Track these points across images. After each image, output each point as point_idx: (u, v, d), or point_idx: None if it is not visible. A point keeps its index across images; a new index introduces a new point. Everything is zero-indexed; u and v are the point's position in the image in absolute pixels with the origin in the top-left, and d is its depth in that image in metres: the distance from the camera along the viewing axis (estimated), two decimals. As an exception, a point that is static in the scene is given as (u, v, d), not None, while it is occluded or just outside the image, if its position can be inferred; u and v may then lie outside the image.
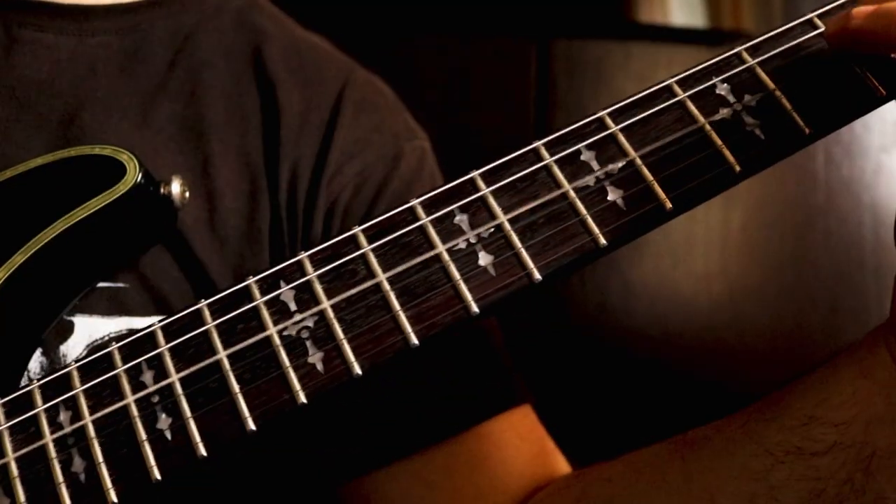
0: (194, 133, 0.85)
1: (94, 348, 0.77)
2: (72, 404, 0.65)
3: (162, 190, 0.75)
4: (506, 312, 0.65)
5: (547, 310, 1.55)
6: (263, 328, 0.63)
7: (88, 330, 0.77)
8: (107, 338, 0.77)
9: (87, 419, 0.64)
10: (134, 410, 0.63)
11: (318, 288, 0.64)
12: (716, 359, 1.56)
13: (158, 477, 0.62)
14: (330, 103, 0.89)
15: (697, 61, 0.67)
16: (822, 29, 0.66)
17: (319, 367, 0.62)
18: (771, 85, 0.65)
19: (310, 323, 0.63)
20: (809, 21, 0.67)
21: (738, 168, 0.63)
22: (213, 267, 0.82)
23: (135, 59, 0.86)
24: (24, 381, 0.73)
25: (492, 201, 0.64)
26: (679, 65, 0.67)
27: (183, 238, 0.81)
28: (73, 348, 0.77)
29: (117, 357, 0.65)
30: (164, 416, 0.63)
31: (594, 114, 0.66)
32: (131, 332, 0.73)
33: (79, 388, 0.65)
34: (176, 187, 0.75)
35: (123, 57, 0.85)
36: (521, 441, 0.85)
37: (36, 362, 0.76)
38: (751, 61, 0.66)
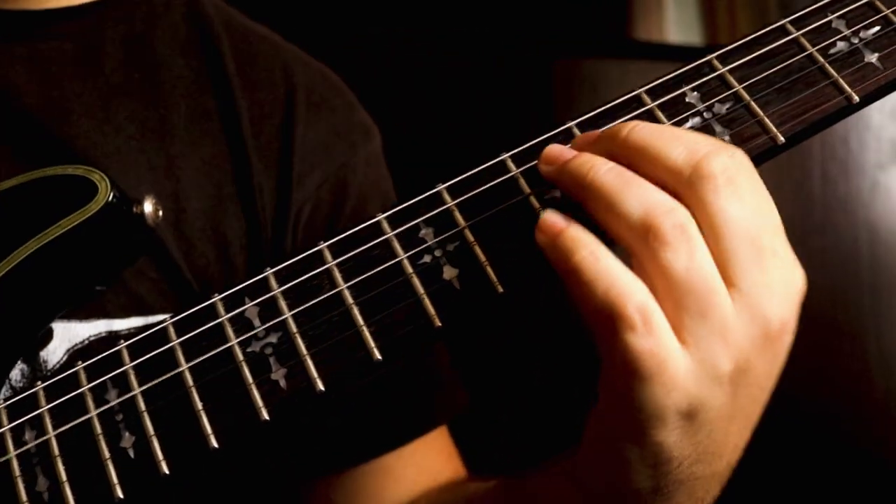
0: (156, 134, 0.85)
1: (72, 355, 0.77)
2: (37, 423, 0.65)
3: (134, 209, 0.75)
4: (472, 327, 0.65)
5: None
6: (227, 345, 0.63)
7: (68, 334, 0.77)
8: (86, 341, 0.77)
9: (52, 438, 0.64)
10: (98, 429, 0.63)
11: (283, 304, 0.63)
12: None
13: (121, 495, 0.62)
14: (280, 109, 0.89)
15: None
16: (794, 35, 0.66)
17: (282, 383, 0.62)
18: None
19: (273, 339, 0.63)
20: (782, 27, 0.67)
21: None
22: (185, 268, 0.82)
23: (88, 61, 0.85)
24: (4, 389, 0.73)
25: (457, 215, 0.64)
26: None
27: (158, 239, 0.81)
28: (52, 353, 0.77)
29: (83, 376, 0.65)
30: (127, 434, 0.63)
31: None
32: (110, 334, 0.72)
33: (44, 408, 0.65)
34: (148, 206, 0.75)
35: (77, 60, 0.85)
36: (421, 475, 0.89)
37: (17, 370, 0.76)
38: (720, 69, 0.66)
